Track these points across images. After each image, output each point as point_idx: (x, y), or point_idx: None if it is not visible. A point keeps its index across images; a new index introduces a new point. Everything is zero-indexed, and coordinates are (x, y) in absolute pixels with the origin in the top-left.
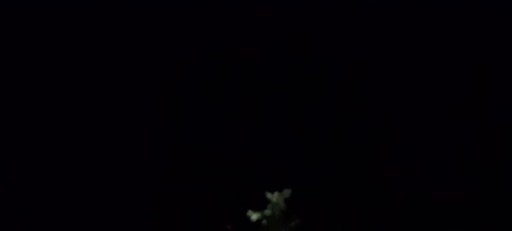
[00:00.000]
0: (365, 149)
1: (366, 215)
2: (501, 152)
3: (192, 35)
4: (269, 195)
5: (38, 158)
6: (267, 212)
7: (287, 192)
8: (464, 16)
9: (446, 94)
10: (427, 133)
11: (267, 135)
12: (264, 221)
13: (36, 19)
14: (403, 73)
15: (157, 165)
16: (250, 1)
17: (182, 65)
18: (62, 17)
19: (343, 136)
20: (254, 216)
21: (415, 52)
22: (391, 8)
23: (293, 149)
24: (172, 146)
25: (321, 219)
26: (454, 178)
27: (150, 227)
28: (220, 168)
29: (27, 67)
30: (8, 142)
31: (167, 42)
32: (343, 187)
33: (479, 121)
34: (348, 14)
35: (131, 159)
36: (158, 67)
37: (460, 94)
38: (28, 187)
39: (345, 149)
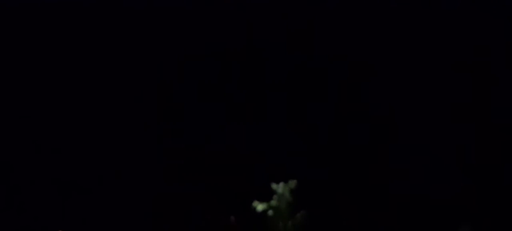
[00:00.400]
0: (365, 149)
1: (365, 215)
2: (501, 152)
3: (192, 35)
4: (274, 186)
5: (38, 158)
6: (273, 202)
7: (292, 183)
8: (464, 16)
9: (446, 94)
10: (427, 133)
11: (267, 135)
12: (270, 211)
13: (36, 19)
14: (403, 73)
15: (157, 165)
16: (250, 1)
17: (182, 65)
18: (62, 17)
19: (343, 136)
20: (260, 206)
21: (415, 52)
22: (391, 8)
23: (293, 149)
24: (172, 146)
25: (326, 211)
26: (454, 178)
27: (150, 227)
28: (220, 168)
29: (27, 67)
30: (8, 142)
31: (167, 42)
32: (343, 187)
33: (479, 121)
34: (348, 14)
35: (131, 159)
36: (158, 67)
37: (460, 94)
38: (28, 187)
39: (345, 149)
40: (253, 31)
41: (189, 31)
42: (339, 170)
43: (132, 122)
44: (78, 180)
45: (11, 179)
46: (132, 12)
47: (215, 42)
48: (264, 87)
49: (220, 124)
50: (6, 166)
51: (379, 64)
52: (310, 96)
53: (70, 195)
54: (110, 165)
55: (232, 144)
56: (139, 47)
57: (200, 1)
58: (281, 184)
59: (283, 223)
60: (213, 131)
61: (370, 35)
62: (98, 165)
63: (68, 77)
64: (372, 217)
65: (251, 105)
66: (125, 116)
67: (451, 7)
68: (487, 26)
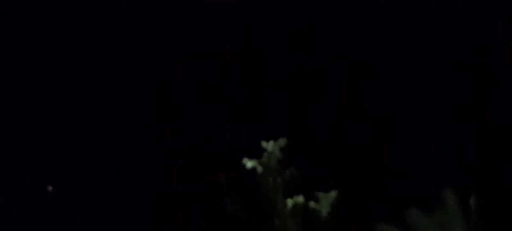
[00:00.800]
0: (365, 149)
1: (365, 214)
2: (501, 152)
3: (192, 35)
4: (264, 144)
5: (38, 158)
6: (264, 160)
7: (282, 141)
8: (464, 16)
9: (446, 94)
10: (427, 132)
11: (267, 135)
12: (259, 168)
13: (36, 19)
14: (403, 73)
15: (157, 165)
16: (250, 1)
17: (182, 65)
18: (61, 17)
19: (343, 136)
20: (249, 163)
21: (415, 52)
22: (391, 8)
23: (293, 149)
24: (172, 146)
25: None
26: (454, 178)
27: (150, 227)
28: (220, 168)
29: (27, 67)
30: (8, 142)
31: (167, 42)
32: (342, 186)
33: (479, 121)
34: (348, 14)
35: (131, 159)
36: (157, 67)
37: (460, 94)
38: (28, 187)
39: (345, 149)
40: (253, 31)
41: (189, 31)
42: (338, 169)
43: (132, 122)
44: (78, 180)
45: (11, 179)
46: (131, 12)
47: (215, 42)
48: (264, 87)
49: (220, 124)
50: (6, 166)
51: (379, 64)
52: (310, 96)
53: (70, 195)
54: (110, 165)
55: (232, 144)
56: (139, 47)
57: (200, 1)
58: (271, 142)
59: (272, 180)
60: (213, 131)
61: (370, 35)
62: (98, 165)
63: (68, 77)
64: (372, 217)
65: (251, 105)
66: (125, 116)
67: (451, 7)
68: (487, 26)
